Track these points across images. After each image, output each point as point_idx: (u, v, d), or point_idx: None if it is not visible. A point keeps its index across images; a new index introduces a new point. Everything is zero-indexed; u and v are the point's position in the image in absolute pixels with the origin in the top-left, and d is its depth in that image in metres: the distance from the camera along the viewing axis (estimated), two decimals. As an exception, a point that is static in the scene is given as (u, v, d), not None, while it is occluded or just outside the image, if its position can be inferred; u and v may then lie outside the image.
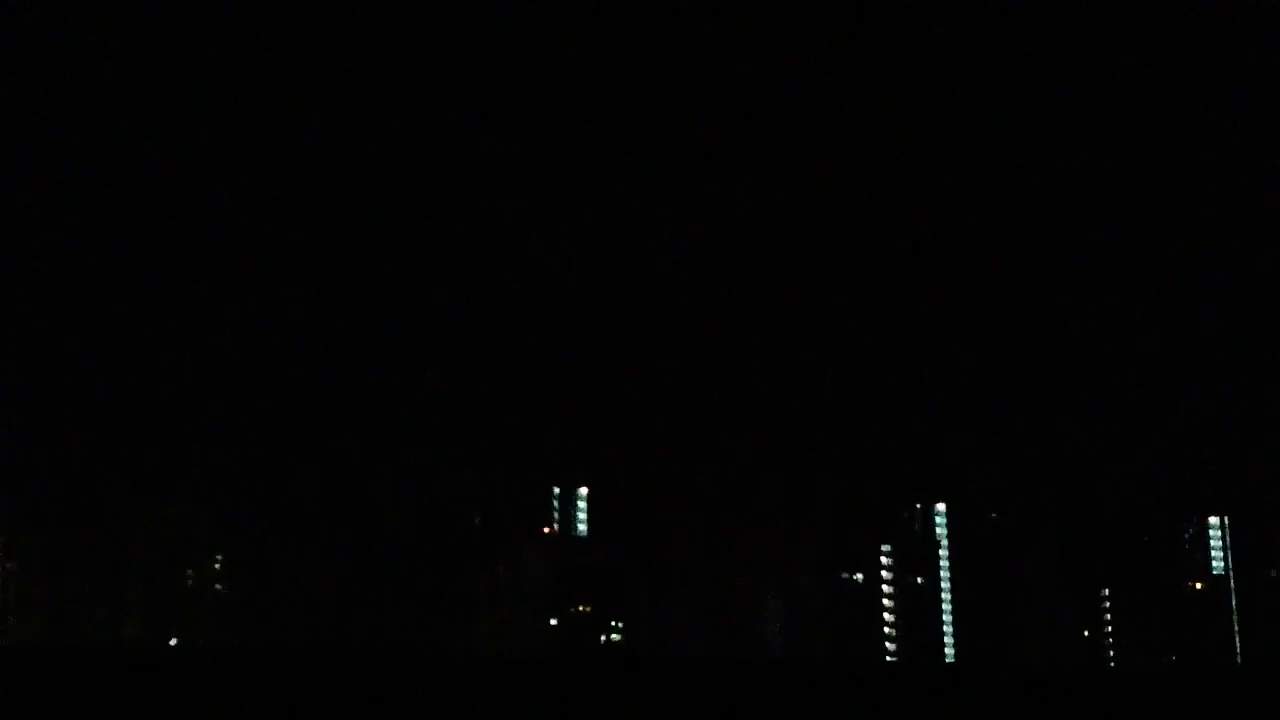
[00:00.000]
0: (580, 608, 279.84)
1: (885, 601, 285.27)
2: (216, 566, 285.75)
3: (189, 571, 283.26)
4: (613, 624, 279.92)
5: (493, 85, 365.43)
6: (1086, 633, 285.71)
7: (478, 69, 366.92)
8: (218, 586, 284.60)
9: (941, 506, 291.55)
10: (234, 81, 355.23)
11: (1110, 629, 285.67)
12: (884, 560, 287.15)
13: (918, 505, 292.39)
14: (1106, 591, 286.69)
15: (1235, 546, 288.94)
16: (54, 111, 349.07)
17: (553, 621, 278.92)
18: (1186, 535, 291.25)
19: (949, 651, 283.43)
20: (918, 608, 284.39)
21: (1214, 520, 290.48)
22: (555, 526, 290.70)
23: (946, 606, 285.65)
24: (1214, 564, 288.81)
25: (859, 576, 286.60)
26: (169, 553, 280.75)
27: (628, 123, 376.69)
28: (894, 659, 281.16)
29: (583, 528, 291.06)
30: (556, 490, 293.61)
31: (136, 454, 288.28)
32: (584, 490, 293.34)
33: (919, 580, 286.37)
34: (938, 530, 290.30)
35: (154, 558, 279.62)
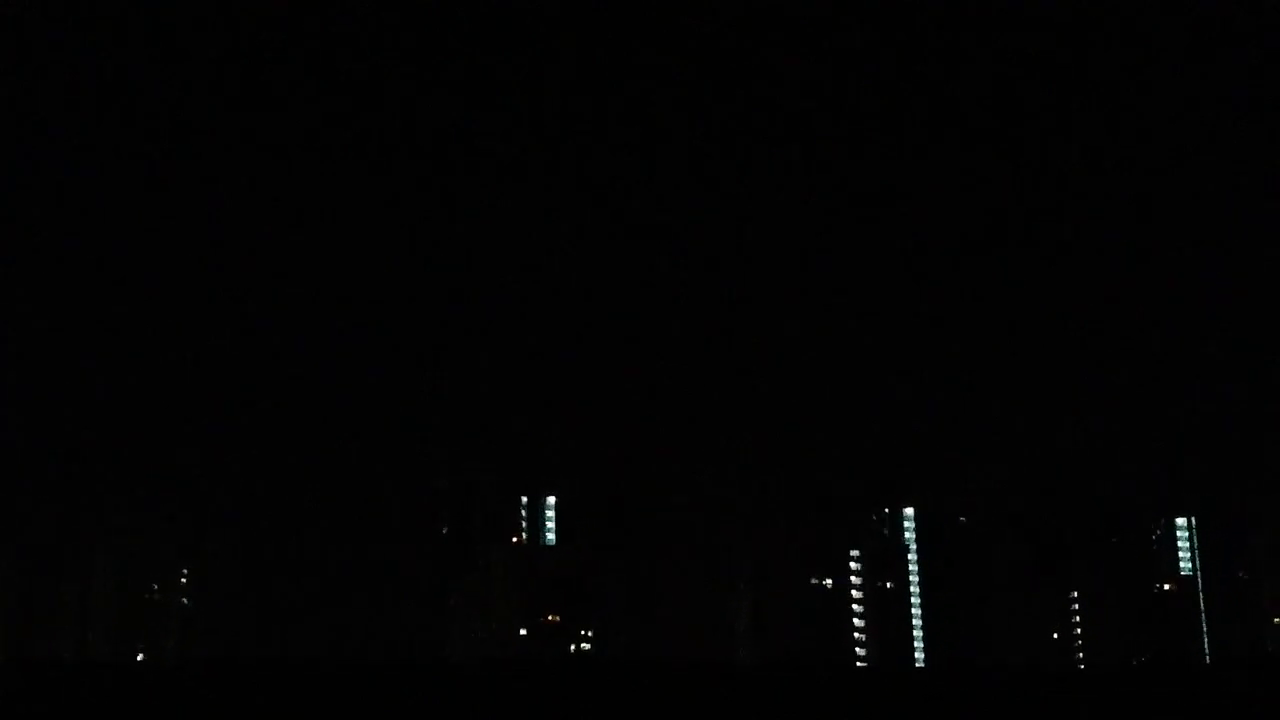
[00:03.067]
0: (549, 617, 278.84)
1: (855, 606, 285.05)
2: (182, 579, 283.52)
3: (154, 584, 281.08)
4: (582, 633, 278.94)
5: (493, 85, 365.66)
6: (1056, 634, 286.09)
7: (478, 69, 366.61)
8: (184, 599, 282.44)
9: (910, 510, 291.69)
10: (231, 81, 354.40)
11: (1079, 630, 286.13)
12: (853, 565, 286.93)
13: (886, 509, 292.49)
14: (1075, 593, 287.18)
15: (1203, 547, 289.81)
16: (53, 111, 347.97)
17: (522, 631, 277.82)
18: (1155, 536, 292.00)
19: (919, 655, 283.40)
20: (887, 611, 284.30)
21: (1182, 521, 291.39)
22: (523, 535, 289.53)
23: (916, 610, 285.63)
24: (1182, 564, 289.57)
25: (828, 581, 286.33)
26: (134, 565, 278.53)
27: (583, 122, 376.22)
28: (864, 663, 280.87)
29: (551, 536, 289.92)
30: (524, 499, 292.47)
31: (100, 465, 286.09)
32: (552, 499, 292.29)
33: (888, 584, 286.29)
34: (907, 534, 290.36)
35: (118, 570, 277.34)
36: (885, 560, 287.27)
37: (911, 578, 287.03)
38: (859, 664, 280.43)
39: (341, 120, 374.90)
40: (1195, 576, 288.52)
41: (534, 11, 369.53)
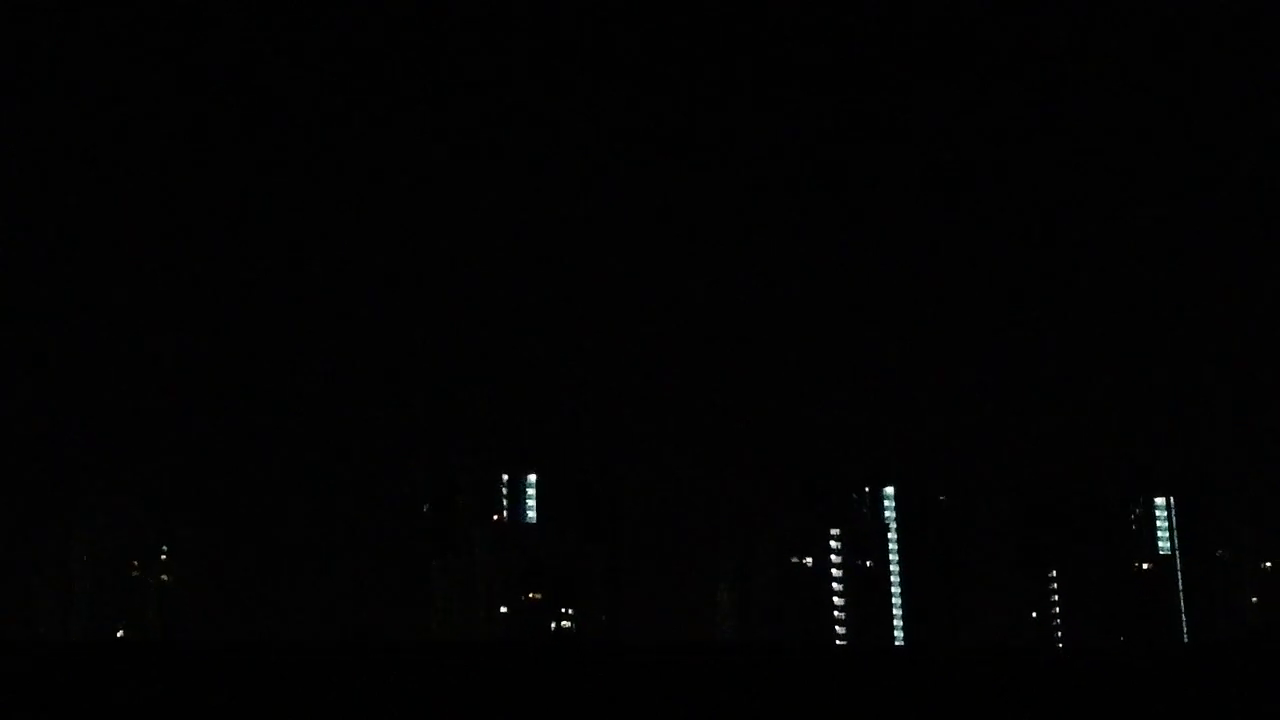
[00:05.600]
0: (531, 595, 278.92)
1: (835, 585, 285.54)
2: (163, 557, 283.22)
3: (135, 563, 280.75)
4: (564, 611, 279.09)
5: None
6: (1035, 613, 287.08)
7: (471, 68, 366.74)
8: (164, 577, 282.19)
9: (891, 490, 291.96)
10: (231, 80, 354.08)
11: (1058, 609, 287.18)
12: (834, 544, 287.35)
13: (867, 489, 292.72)
14: (1055, 572, 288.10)
15: (1182, 527, 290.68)
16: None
17: (503, 609, 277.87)
18: (1134, 516, 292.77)
19: (899, 634, 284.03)
20: (868, 591, 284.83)
21: (1160, 501, 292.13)
22: (505, 514, 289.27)
23: (896, 589, 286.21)
24: (1160, 544, 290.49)
25: (809, 561, 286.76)
26: (115, 544, 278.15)
27: (573, 117, 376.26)
28: (844, 642, 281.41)
29: (532, 515, 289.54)
30: (505, 477, 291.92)
31: (81, 444, 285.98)
32: (533, 477, 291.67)
33: (869, 564, 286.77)
34: (887, 513, 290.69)
35: (99, 549, 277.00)
36: (866, 540, 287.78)
37: (892, 557, 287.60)
38: (839, 643, 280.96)
39: (317, 117, 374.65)
40: (1174, 556, 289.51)
41: (535, 12, 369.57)
